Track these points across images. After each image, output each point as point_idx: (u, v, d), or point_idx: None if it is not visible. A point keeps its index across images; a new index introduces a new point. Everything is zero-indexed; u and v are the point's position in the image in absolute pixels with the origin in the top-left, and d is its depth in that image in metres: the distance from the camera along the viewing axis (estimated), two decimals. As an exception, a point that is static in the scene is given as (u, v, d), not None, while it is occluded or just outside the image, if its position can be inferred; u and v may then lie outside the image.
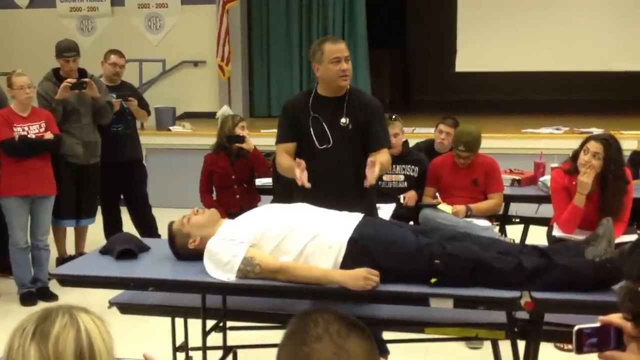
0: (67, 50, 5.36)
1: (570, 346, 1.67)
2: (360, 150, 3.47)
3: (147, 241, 3.51)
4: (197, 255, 3.05)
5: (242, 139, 4.72)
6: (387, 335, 3.37)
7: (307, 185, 3.20)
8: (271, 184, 4.94)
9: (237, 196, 4.83)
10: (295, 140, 3.52)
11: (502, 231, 5.05)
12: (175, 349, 3.39)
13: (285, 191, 4.47)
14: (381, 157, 3.38)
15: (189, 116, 8.89)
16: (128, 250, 3.27)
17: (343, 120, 3.44)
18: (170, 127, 8.04)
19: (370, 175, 3.23)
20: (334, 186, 3.37)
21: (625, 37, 8.70)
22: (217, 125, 5.56)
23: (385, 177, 4.64)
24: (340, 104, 3.47)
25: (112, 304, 3.18)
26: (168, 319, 3.36)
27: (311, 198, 3.24)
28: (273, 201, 4.52)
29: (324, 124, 3.44)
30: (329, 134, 3.43)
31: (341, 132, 3.44)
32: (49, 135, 4.90)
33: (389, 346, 3.43)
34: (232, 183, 4.86)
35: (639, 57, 8.73)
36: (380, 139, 3.51)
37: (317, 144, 3.43)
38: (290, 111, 3.57)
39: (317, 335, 1.24)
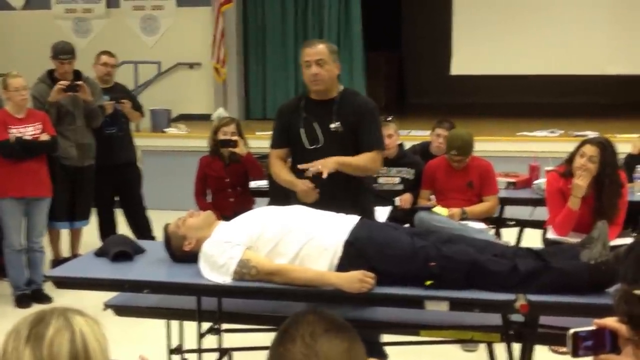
0: (62, 52, 5.36)
1: (565, 349, 1.67)
2: (353, 152, 3.47)
3: (143, 243, 3.50)
4: (192, 258, 3.04)
5: (234, 144, 4.72)
6: (382, 337, 3.37)
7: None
8: (266, 186, 4.93)
9: (231, 199, 4.82)
10: (287, 145, 3.56)
11: (497, 234, 5.05)
12: (171, 352, 3.38)
13: (280, 193, 4.48)
14: (352, 159, 3.41)
15: (184, 118, 8.88)
16: (123, 252, 3.27)
17: (332, 125, 3.45)
18: (166, 129, 8.03)
19: (316, 165, 3.28)
20: (325, 188, 3.36)
21: (619, 40, 8.72)
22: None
23: (380, 180, 4.65)
24: (331, 107, 3.47)
25: (107, 306, 3.17)
26: (163, 321, 3.36)
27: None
28: (270, 203, 4.52)
29: (314, 124, 3.45)
30: (319, 135, 3.44)
31: (332, 135, 3.46)
32: (44, 137, 4.89)
33: (384, 348, 3.43)
34: (226, 186, 4.85)
35: (632, 61, 8.75)
36: (368, 142, 3.49)
37: (306, 144, 3.45)
38: (283, 115, 3.63)
39: (292, 336, 1.27)
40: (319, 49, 3.45)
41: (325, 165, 3.29)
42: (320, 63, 3.42)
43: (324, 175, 3.26)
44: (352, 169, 3.44)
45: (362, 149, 3.47)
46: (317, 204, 3.20)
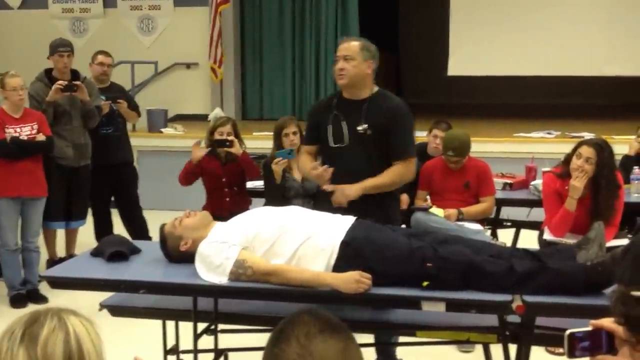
0: (61, 45, 5.37)
1: (561, 350, 1.67)
2: (379, 156, 3.43)
3: (139, 243, 3.49)
4: (188, 258, 3.03)
5: (230, 144, 4.72)
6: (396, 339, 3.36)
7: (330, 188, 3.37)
8: (262, 186, 4.93)
9: (227, 199, 4.82)
10: (317, 142, 3.60)
11: (494, 235, 5.06)
12: (167, 352, 3.38)
13: (277, 193, 4.48)
14: (376, 181, 3.38)
15: (181, 118, 8.88)
16: (119, 253, 3.26)
17: (360, 128, 3.43)
18: (162, 129, 8.02)
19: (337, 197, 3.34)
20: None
21: (615, 42, 8.74)
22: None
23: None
24: (360, 108, 3.46)
25: (102, 306, 3.16)
26: (159, 322, 3.35)
27: (327, 198, 3.35)
28: (266, 204, 4.51)
29: (342, 123, 3.45)
30: (346, 134, 3.44)
31: (359, 136, 3.44)
32: (40, 137, 4.88)
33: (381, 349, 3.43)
34: (223, 186, 4.84)
35: (629, 62, 8.78)
36: (396, 149, 3.44)
37: (331, 142, 3.45)
38: (314, 112, 3.71)
39: (287, 336, 1.28)
40: (350, 45, 3.46)
41: (347, 196, 3.33)
42: (347, 58, 3.42)
43: (345, 205, 3.32)
44: (378, 190, 3.41)
45: (391, 156, 3.43)
46: (340, 211, 3.20)
